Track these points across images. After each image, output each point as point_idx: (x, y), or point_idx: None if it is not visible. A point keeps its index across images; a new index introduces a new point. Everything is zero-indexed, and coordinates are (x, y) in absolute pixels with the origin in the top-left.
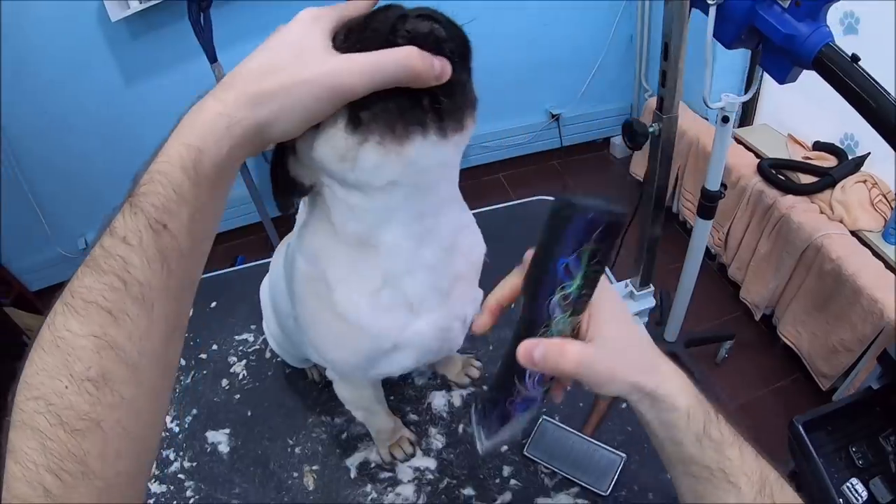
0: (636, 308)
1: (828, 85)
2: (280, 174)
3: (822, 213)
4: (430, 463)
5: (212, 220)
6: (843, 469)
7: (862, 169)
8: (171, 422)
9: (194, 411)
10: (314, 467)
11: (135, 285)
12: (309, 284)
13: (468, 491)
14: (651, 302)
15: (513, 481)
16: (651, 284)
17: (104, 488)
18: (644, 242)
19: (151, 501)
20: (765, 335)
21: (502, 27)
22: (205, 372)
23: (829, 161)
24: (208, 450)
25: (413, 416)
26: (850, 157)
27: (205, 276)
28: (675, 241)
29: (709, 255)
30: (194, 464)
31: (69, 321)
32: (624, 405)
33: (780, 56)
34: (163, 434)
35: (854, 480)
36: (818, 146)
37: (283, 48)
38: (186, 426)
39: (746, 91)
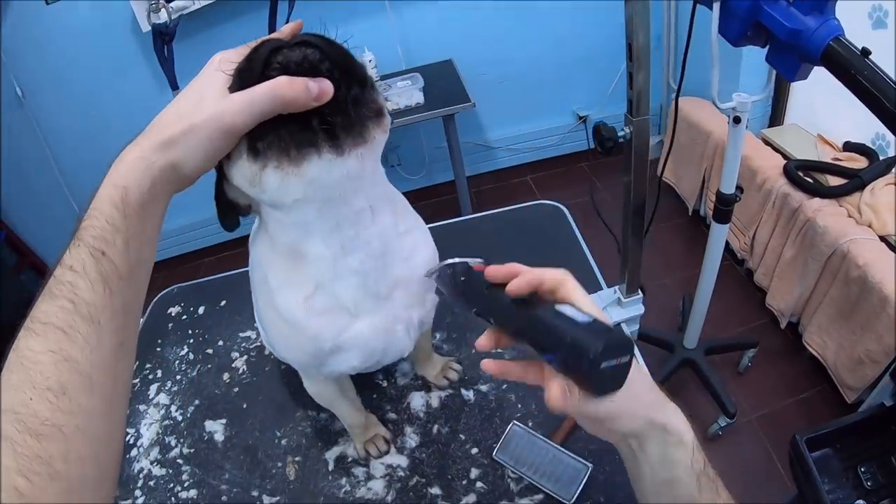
0: (624, 315)
1: None
2: (220, 199)
3: (849, 216)
4: (403, 461)
5: (146, 246)
6: (849, 490)
7: (893, 170)
8: (176, 411)
9: (196, 402)
10: (297, 458)
11: (82, 305)
12: (259, 288)
13: (435, 490)
14: (640, 309)
15: (479, 483)
16: (640, 291)
17: (70, 489)
18: (626, 251)
19: (152, 483)
20: (790, 344)
21: (528, 28)
22: (209, 366)
23: (858, 162)
24: (205, 438)
25: (392, 415)
26: (881, 158)
27: (216, 276)
28: (703, 245)
29: (736, 259)
30: (192, 450)
31: (30, 342)
32: None
33: (787, 52)
34: (167, 422)
35: (860, 502)
36: (848, 147)
37: (188, 96)
38: (189, 415)
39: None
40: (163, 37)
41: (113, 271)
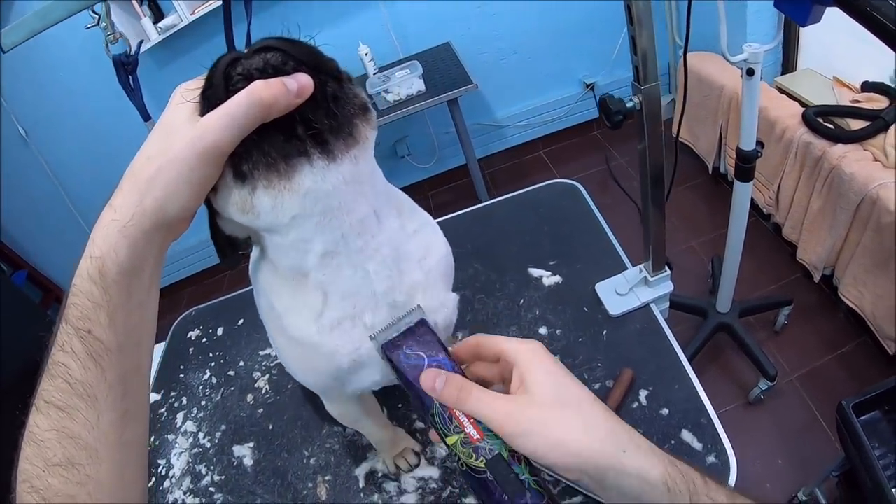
0: (652, 295)
1: None
2: (217, 237)
3: (875, 160)
4: (434, 472)
5: (136, 312)
6: None
7: None
8: (204, 438)
9: (223, 427)
10: (326, 478)
11: (77, 385)
12: (267, 315)
13: (470, 500)
14: (669, 287)
15: None
16: (667, 267)
17: None
18: (648, 225)
19: None
20: (826, 297)
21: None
22: (232, 388)
23: (879, 102)
24: (235, 463)
25: (419, 425)
26: None
27: (231, 295)
28: (726, 203)
29: (762, 214)
30: (223, 477)
31: (37, 418)
32: (635, 405)
33: None
34: (196, 450)
35: None
36: (867, 87)
37: (155, 135)
38: (217, 441)
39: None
40: (125, 67)
41: (101, 348)
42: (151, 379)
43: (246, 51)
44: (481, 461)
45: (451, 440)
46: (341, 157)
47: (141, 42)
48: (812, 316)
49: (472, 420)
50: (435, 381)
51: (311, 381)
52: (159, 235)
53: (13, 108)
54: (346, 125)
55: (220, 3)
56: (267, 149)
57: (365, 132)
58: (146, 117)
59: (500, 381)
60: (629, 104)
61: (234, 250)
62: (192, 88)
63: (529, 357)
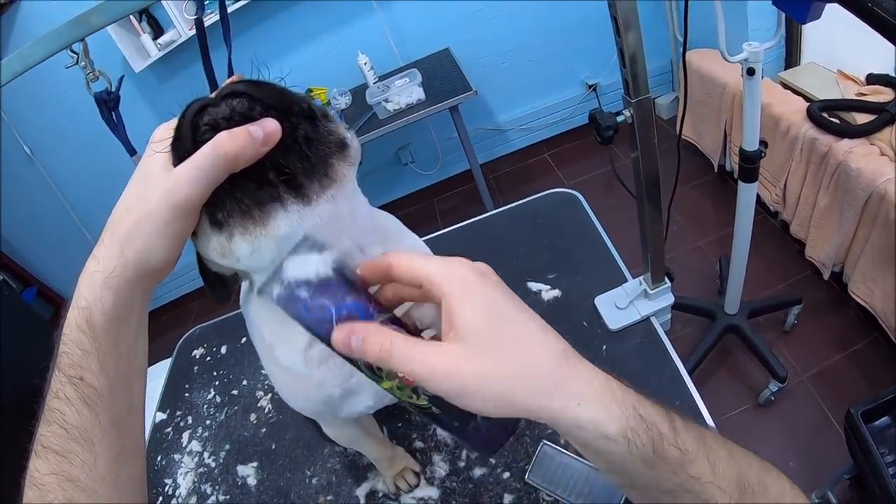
0: (652, 308)
1: None
2: (206, 274)
3: (882, 154)
4: (433, 492)
5: (125, 357)
6: None
7: None
8: (209, 458)
9: (227, 446)
10: (328, 497)
11: (73, 430)
12: (260, 345)
13: None
14: (670, 299)
15: None
16: (667, 279)
17: None
18: (647, 237)
19: None
20: (836, 295)
21: (519, 2)
22: (236, 408)
23: (884, 95)
24: (239, 483)
25: (419, 444)
26: None
27: (235, 312)
28: (733, 201)
29: (769, 212)
30: (227, 497)
31: (37, 463)
32: None
33: None
34: (201, 470)
35: None
36: (871, 79)
37: (134, 185)
38: (221, 461)
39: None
40: (107, 104)
41: (93, 393)
42: (158, 398)
43: (213, 96)
44: (423, 399)
45: (386, 385)
46: (317, 199)
47: (122, 77)
48: (822, 314)
49: None
50: (350, 342)
51: (304, 407)
52: (142, 284)
53: (18, 126)
54: (320, 166)
55: (217, 17)
56: (240, 196)
57: (342, 170)
58: (132, 152)
59: (423, 300)
60: (620, 118)
61: (222, 286)
62: (164, 138)
63: (456, 289)
